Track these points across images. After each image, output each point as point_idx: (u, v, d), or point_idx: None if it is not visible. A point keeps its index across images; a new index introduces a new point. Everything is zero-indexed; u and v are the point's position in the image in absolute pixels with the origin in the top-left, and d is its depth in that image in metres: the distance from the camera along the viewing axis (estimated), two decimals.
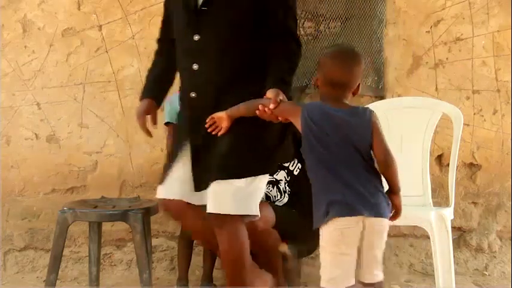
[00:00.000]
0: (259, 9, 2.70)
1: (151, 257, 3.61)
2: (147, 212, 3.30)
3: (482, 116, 4.02)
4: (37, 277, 4.01)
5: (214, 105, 2.68)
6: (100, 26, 4.03)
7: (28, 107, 3.96)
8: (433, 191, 3.65)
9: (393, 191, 2.48)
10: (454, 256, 3.41)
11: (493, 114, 4.02)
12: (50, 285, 3.35)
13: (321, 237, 2.42)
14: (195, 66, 2.71)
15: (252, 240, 3.21)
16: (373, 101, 3.94)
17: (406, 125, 3.62)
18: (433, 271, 3.30)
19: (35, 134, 4.05)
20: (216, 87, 2.70)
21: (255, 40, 2.72)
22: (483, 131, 4.02)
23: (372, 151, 2.46)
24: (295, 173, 3.47)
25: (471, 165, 4.04)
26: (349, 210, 2.37)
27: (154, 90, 2.92)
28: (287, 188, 3.47)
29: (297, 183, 3.47)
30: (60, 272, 3.47)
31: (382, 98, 3.98)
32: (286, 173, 3.46)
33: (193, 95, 2.73)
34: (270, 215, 3.24)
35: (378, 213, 2.40)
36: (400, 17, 4.01)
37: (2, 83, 4.08)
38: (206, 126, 2.67)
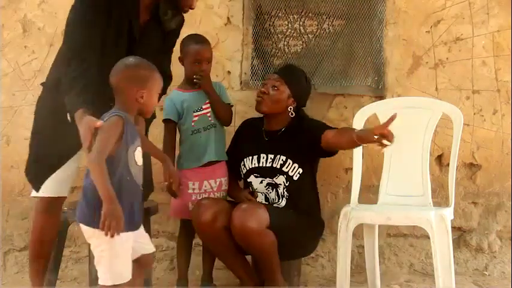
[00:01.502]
0: None
1: None
2: (147, 212, 3.30)
3: (482, 116, 4.02)
4: None
5: None
6: None
7: (28, 107, 3.94)
8: (433, 191, 3.65)
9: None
10: (454, 256, 3.40)
11: (493, 114, 4.02)
12: (50, 285, 3.34)
13: None
14: None
15: (247, 243, 3.21)
16: (373, 101, 3.94)
17: (406, 125, 3.62)
18: (433, 271, 3.29)
19: None
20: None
21: None
22: (483, 131, 4.02)
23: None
24: (295, 178, 3.46)
25: (471, 165, 4.04)
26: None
27: None
28: (285, 192, 3.46)
29: (296, 188, 3.46)
30: (60, 272, 3.47)
31: (382, 98, 3.98)
32: (285, 178, 3.46)
33: None
34: (265, 215, 3.22)
35: (77, 218, 2.62)
36: (400, 17, 4.01)
37: (2, 83, 4.08)
38: None
